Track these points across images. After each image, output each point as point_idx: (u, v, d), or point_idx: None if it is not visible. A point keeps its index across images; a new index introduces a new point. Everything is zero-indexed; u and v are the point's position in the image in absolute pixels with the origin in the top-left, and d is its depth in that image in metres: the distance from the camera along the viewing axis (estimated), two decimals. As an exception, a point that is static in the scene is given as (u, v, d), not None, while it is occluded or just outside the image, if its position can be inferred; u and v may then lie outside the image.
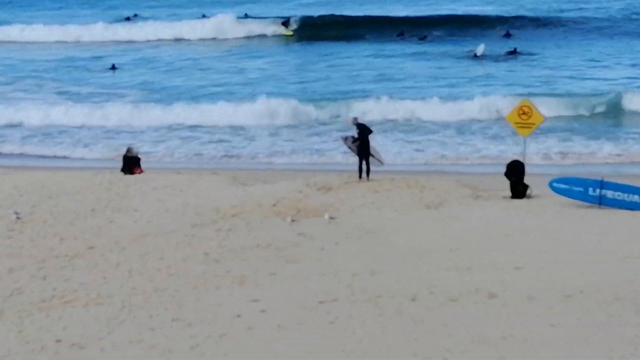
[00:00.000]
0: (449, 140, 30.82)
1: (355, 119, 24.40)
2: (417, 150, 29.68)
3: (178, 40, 59.08)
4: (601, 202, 20.02)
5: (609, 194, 20.00)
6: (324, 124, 33.92)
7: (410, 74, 43.45)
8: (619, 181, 20.67)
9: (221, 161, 29.50)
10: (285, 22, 60.52)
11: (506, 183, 21.48)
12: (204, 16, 65.96)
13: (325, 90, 39.37)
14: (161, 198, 21.82)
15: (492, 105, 33.96)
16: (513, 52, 47.80)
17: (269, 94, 36.87)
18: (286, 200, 21.20)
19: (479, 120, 33.27)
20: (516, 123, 23.23)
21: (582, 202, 20.18)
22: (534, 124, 23.00)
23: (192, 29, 61.29)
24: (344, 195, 21.87)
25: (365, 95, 37.19)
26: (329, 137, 31.47)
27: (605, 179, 20.38)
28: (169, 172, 25.73)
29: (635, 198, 19.88)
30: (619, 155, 28.51)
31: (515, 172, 21.37)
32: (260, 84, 41.98)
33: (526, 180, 21.39)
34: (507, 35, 55.17)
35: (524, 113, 23.00)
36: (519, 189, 21.23)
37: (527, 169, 21.70)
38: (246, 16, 67.45)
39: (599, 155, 28.37)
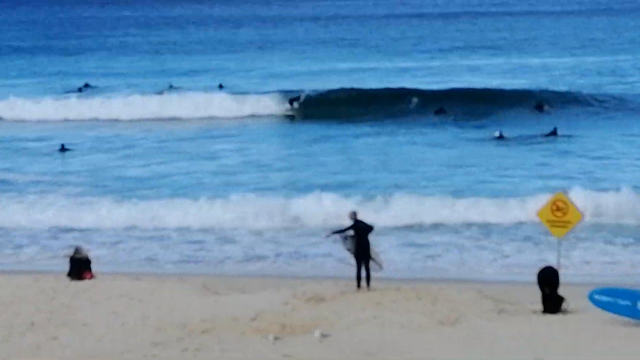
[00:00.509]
0: (468, 243, 30.98)
1: (354, 213, 24.63)
2: (428, 255, 29.82)
3: (140, 119, 59.40)
4: (653, 319, 20.13)
5: (663, 309, 20.10)
6: (316, 222, 33.92)
7: (420, 160, 43.90)
8: (675, 294, 20.77)
9: (189, 265, 29.55)
10: (294, 100, 60.00)
11: (537, 295, 21.60)
12: (171, 87, 66.81)
13: (318, 181, 39.51)
14: (116, 310, 21.80)
15: (521, 201, 34.14)
16: (553, 134, 48.33)
17: (249, 187, 37.18)
18: (268, 314, 21.21)
19: (504, 220, 33.36)
20: (549, 221, 23.43)
21: (629, 318, 20.25)
22: (570, 222, 23.19)
23: (158, 103, 61.98)
24: (339, 307, 21.90)
25: (367, 187, 37.54)
26: (321, 238, 31.53)
27: (658, 291, 20.52)
28: (126, 277, 25.72)
29: (696, 315, 19.98)
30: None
31: (548, 281, 21.48)
32: (239, 173, 42.23)
33: (561, 291, 21.51)
34: (540, 108, 55.96)
35: (558, 209, 23.21)
36: (552, 302, 21.34)
37: (563, 278, 21.82)
38: (221, 87, 68.15)
39: (650, 263, 28.55)
